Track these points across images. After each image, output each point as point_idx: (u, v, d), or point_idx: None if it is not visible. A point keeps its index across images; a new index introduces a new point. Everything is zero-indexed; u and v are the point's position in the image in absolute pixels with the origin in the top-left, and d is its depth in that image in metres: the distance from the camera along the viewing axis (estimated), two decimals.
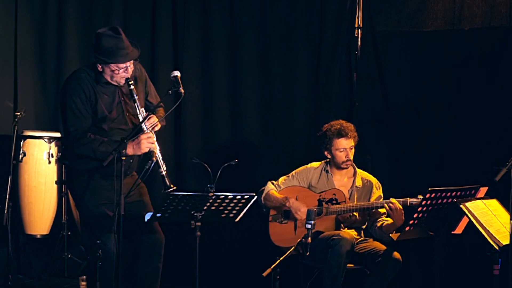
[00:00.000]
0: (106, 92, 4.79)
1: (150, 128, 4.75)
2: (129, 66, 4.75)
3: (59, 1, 6.58)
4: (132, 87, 4.75)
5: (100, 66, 4.74)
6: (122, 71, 4.73)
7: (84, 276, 4.84)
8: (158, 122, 4.82)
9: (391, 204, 5.20)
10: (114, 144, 4.65)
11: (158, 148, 4.75)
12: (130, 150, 4.66)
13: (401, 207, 5.18)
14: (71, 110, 4.73)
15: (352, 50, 6.46)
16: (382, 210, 5.46)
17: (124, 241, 4.48)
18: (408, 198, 5.20)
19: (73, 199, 6.01)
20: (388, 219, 5.41)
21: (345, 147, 5.47)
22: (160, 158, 4.71)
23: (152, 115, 4.79)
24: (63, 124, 4.85)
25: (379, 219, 5.46)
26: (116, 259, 4.50)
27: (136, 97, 4.75)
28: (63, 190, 6.24)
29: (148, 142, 4.71)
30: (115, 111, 4.81)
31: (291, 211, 5.42)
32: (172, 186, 4.65)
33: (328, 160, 5.60)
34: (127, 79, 4.75)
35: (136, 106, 4.76)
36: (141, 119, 4.73)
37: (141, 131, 4.71)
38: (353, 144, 5.50)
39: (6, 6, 6.51)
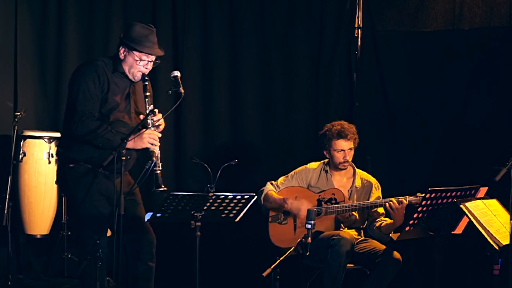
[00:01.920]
0: (118, 83, 4.81)
1: (156, 126, 4.76)
2: (150, 62, 4.78)
3: (59, 1, 6.58)
4: (147, 83, 4.79)
5: (123, 54, 4.77)
6: (143, 64, 4.76)
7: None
8: (162, 120, 4.82)
9: (391, 203, 5.20)
10: (117, 135, 4.64)
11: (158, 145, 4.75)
12: (130, 143, 4.65)
13: (405, 202, 5.17)
14: (82, 92, 4.71)
15: (352, 50, 6.46)
16: (381, 211, 5.47)
17: (117, 240, 4.47)
18: (407, 197, 5.20)
19: (65, 197, 6.01)
20: (387, 219, 5.41)
21: (343, 148, 5.47)
22: (159, 156, 4.71)
23: (157, 111, 4.78)
24: (71, 105, 4.77)
25: (378, 219, 5.46)
26: (116, 259, 4.50)
27: (148, 93, 4.78)
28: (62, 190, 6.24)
29: (150, 138, 4.71)
30: (123, 103, 4.82)
31: (290, 211, 5.42)
32: (163, 186, 4.64)
33: (327, 160, 5.61)
34: (143, 75, 4.77)
35: (146, 101, 4.78)
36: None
37: (145, 126, 4.72)
38: (352, 146, 5.50)
39: (6, 6, 6.51)
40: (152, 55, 4.78)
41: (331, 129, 5.49)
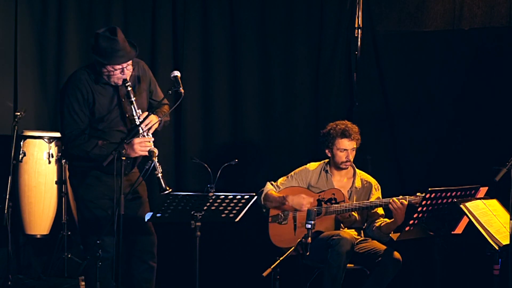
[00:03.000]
0: (104, 93, 4.78)
1: (147, 131, 4.73)
2: (126, 67, 4.72)
3: (59, 1, 6.57)
4: (129, 88, 4.73)
5: (97, 67, 4.74)
6: (118, 72, 4.71)
7: (83, 276, 4.86)
8: (156, 123, 4.79)
9: (392, 202, 5.19)
10: (109, 147, 4.65)
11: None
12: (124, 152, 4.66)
13: (405, 202, 5.17)
14: (67, 112, 4.73)
15: (352, 50, 6.47)
16: (380, 212, 5.47)
17: (118, 240, 4.47)
18: (407, 196, 5.20)
19: (73, 197, 6.02)
20: (386, 219, 5.41)
21: (346, 147, 5.47)
22: (156, 160, 4.69)
23: (150, 115, 4.76)
24: (60, 124, 4.86)
25: (377, 220, 5.46)
26: (116, 259, 4.50)
27: (133, 99, 4.72)
28: (63, 190, 6.24)
29: (141, 146, 4.68)
30: (113, 112, 4.80)
31: (292, 208, 5.42)
32: (167, 188, 4.63)
33: (327, 160, 5.61)
34: (124, 80, 4.73)
35: (133, 108, 4.73)
36: (137, 121, 4.72)
37: (137, 133, 4.70)
38: (355, 146, 5.51)
39: (6, 6, 6.50)
40: (121, 63, 4.70)
41: (335, 128, 5.50)
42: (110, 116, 4.78)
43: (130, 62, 4.74)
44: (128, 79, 4.74)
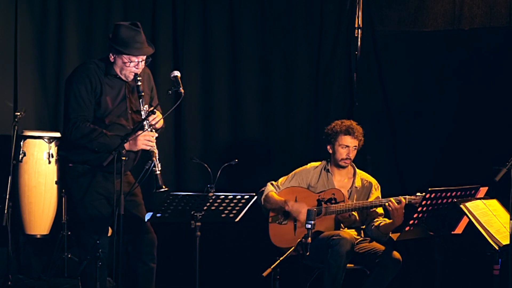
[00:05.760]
0: (112, 86, 4.79)
1: (151, 127, 4.74)
2: (141, 61, 4.75)
3: (59, 1, 6.57)
4: (139, 83, 4.75)
5: (112, 57, 4.75)
6: (133, 65, 4.73)
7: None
8: (161, 119, 4.81)
9: (390, 203, 5.21)
10: (113, 138, 4.64)
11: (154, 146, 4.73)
12: (126, 145, 4.65)
13: (403, 201, 5.18)
14: (74, 97, 4.72)
15: (352, 50, 6.47)
16: (380, 211, 5.47)
17: (117, 240, 4.47)
18: (407, 196, 5.21)
19: (67, 197, 6.02)
20: (386, 219, 5.42)
21: (348, 144, 5.49)
22: (157, 157, 4.69)
23: (155, 111, 4.78)
24: (64, 110, 4.83)
25: (376, 219, 5.46)
26: (116, 259, 4.50)
27: (142, 93, 4.75)
28: (63, 190, 6.24)
29: (145, 140, 4.69)
30: (118, 105, 4.80)
31: (291, 213, 5.42)
32: (164, 186, 4.63)
33: (328, 159, 5.61)
34: (136, 75, 4.75)
35: (141, 102, 4.75)
36: (143, 116, 4.73)
37: (142, 128, 4.71)
38: (357, 145, 5.52)
39: (6, 6, 6.50)
40: (140, 55, 4.74)
41: (340, 125, 5.53)
42: (115, 109, 4.79)
43: (144, 57, 4.76)
44: (138, 74, 4.76)
